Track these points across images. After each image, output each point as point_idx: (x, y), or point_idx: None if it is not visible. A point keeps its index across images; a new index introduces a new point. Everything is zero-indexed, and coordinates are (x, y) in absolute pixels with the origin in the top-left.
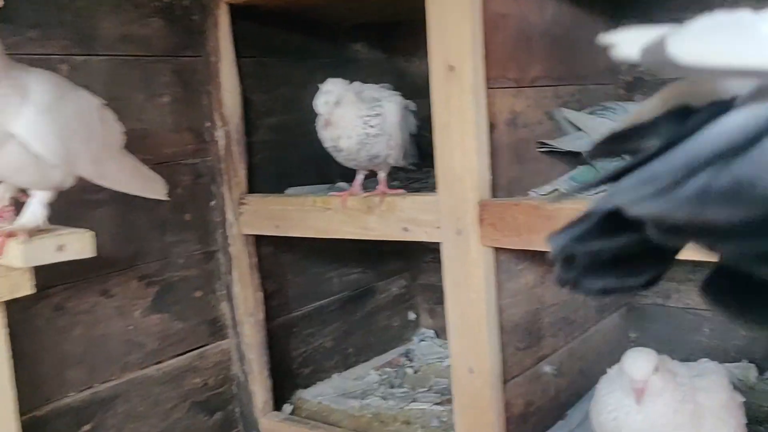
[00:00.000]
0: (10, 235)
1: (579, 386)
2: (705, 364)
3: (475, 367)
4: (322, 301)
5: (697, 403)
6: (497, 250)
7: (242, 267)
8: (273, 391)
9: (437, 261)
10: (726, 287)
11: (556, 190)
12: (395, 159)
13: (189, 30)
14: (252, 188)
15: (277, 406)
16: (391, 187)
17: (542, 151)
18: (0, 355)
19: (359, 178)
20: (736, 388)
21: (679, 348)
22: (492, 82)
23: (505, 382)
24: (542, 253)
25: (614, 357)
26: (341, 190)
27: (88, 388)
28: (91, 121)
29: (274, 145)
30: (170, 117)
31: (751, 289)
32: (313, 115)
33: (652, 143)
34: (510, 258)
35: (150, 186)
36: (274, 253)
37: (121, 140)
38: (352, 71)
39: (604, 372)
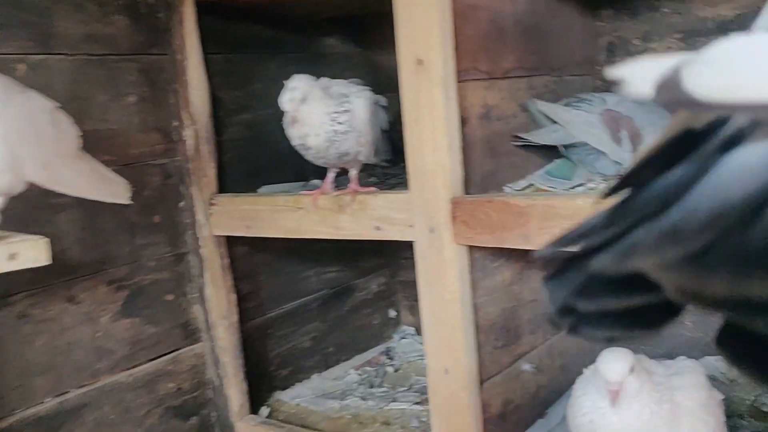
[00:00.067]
0: None
1: (560, 383)
2: (682, 362)
3: (450, 368)
4: (299, 301)
5: (675, 403)
6: (471, 247)
7: (214, 269)
8: (249, 394)
9: None
10: (743, 342)
11: (532, 185)
12: (366, 156)
13: (154, 28)
14: (224, 188)
15: (255, 409)
16: (368, 184)
17: (517, 145)
18: None
19: (330, 176)
20: (714, 385)
21: (661, 341)
22: (463, 75)
23: (481, 382)
24: (519, 250)
25: (596, 352)
26: (315, 188)
27: (56, 397)
28: (41, 124)
29: (246, 142)
30: (137, 117)
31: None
32: None
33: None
34: (485, 255)
35: (111, 189)
36: (249, 253)
37: (76, 144)
38: (324, 66)
39: (586, 368)
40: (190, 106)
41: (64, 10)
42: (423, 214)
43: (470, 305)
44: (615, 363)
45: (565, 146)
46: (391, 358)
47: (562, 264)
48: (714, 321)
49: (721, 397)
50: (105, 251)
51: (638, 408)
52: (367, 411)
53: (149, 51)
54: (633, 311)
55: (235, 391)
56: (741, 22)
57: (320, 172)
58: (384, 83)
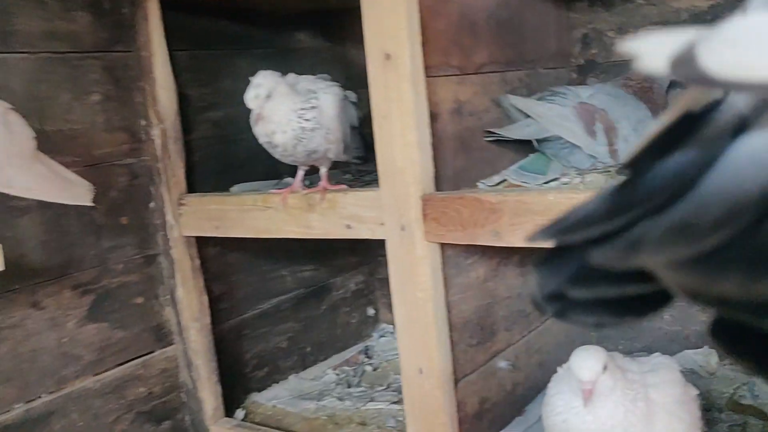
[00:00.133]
0: None
1: (538, 380)
2: (657, 359)
3: (424, 368)
4: (274, 301)
5: (650, 400)
6: (443, 245)
7: (185, 270)
8: (224, 396)
9: None
10: (735, 333)
11: (505, 180)
12: (335, 153)
13: (119, 24)
14: (194, 187)
15: (230, 411)
16: (343, 182)
17: (490, 140)
18: None
19: (300, 174)
20: (693, 378)
21: (640, 336)
22: (433, 70)
23: (456, 381)
24: (494, 246)
25: (575, 348)
26: (286, 186)
27: (22, 405)
28: None
29: (217, 140)
30: (101, 116)
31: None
32: None
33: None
34: (458, 252)
35: (72, 191)
36: (221, 254)
37: (32, 145)
38: (295, 61)
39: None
40: (157, 104)
41: (24, 6)
42: (393, 212)
43: (443, 303)
44: (587, 361)
45: (539, 140)
46: (369, 357)
47: (554, 250)
48: (694, 315)
49: (696, 392)
50: (70, 254)
51: (612, 406)
52: (343, 411)
53: (113, 48)
54: (624, 299)
55: (208, 394)
56: (715, 13)
57: (294, 170)
58: (356, 79)
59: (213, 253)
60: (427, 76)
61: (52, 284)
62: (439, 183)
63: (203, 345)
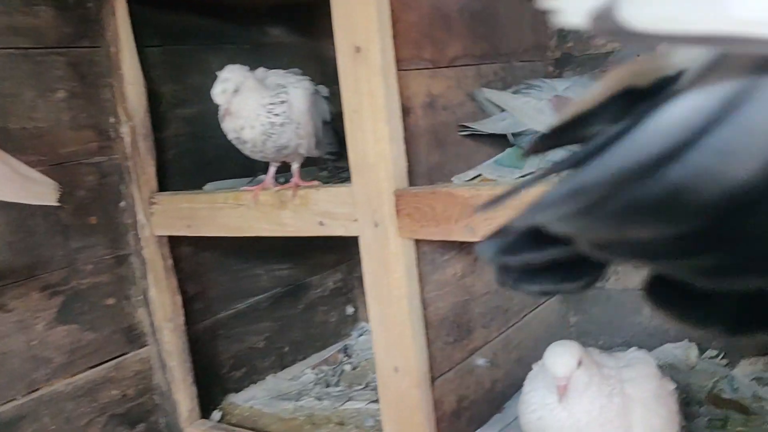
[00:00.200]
0: None
1: (517, 377)
2: (633, 353)
3: (400, 366)
4: (250, 300)
5: (626, 395)
6: (418, 241)
7: (157, 270)
8: (200, 398)
9: None
10: (667, 290)
11: (480, 175)
12: (307, 149)
13: (84, 19)
14: (168, 186)
15: (207, 413)
16: (318, 178)
17: (465, 135)
18: None
19: (271, 170)
20: (673, 372)
21: (620, 330)
22: (405, 64)
23: (433, 379)
24: (470, 243)
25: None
26: (260, 183)
27: None
28: None
29: (190, 138)
30: (67, 113)
31: (691, 293)
32: None
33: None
34: (434, 249)
35: (35, 190)
36: (194, 253)
37: None
38: (270, 57)
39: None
40: (125, 101)
41: None
42: (366, 208)
43: (419, 301)
44: (562, 357)
45: (515, 134)
46: (348, 356)
47: (492, 232)
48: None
49: (673, 387)
50: (37, 256)
51: (588, 402)
52: (321, 411)
53: (79, 43)
54: (561, 267)
55: (183, 396)
56: None
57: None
58: (332, 74)
59: (186, 252)
60: (399, 69)
61: (19, 286)
62: (413, 178)
63: (177, 346)
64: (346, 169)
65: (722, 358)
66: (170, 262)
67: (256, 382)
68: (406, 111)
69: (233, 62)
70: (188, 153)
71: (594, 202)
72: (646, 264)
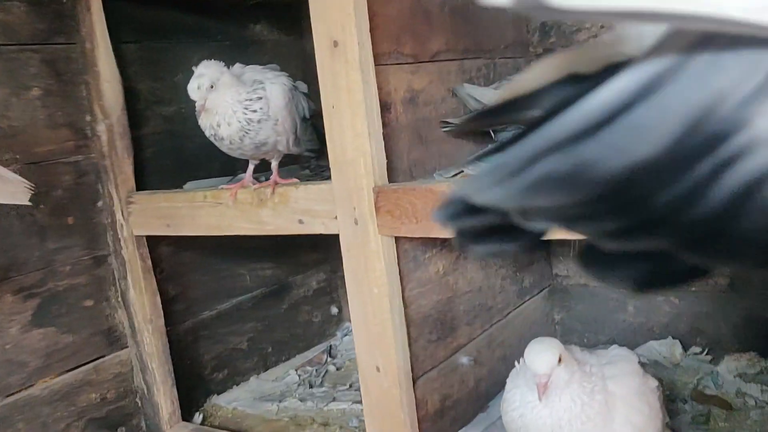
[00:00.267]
0: None
1: (501, 375)
2: (615, 350)
3: (382, 366)
4: (233, 301)
5: (608, 392)
6: (399, 238)
7: (136, 270)
8: (182, 400)
9: None
10: (594, 254)
11: (462, 171)
12: (285, 146)
13: (58, 14)
14: (146, 185)
15: (189, 415)
16: (300, 177)
17: (447, 131)
18: None
19: (250, 168)
20: (657, 369)
21: (604, 327)
22: (384, 58)
23: (415, 378)
24: (450, 239)
25: None
26: (239, 181)
27: None
28: None
29: (170, 136)
30: (43, 112)
31: (611, 257)
32: None
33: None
34: (415, 246)
35: (8, 189)
36: (175, 253)
37: None
38: (253, 54)
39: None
40: (101, 98)
41: None
42: (346, 205)
43: (400, 299)
44: (542, 354)
45: (497, 131)
46: (332, 357)
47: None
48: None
49: (656, 384)
50: (11, 257)
51: (569, 399)
52: (305, 412)
53: (53, 40)
54: (504, 230)
55: (164, 398)
56: None
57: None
58: (315, 72)
59: (167, 252)
60: (378, 64)
61: None
62: (395, 175)
63: (158, 348)
64: (329, 168)
65: (706, 354)
66: (149, 262)
67: (239, 384)
68: (386, 106)
69: (214, 59)
70: (168, 151)
71: (508, 176)
72: (557, 227)
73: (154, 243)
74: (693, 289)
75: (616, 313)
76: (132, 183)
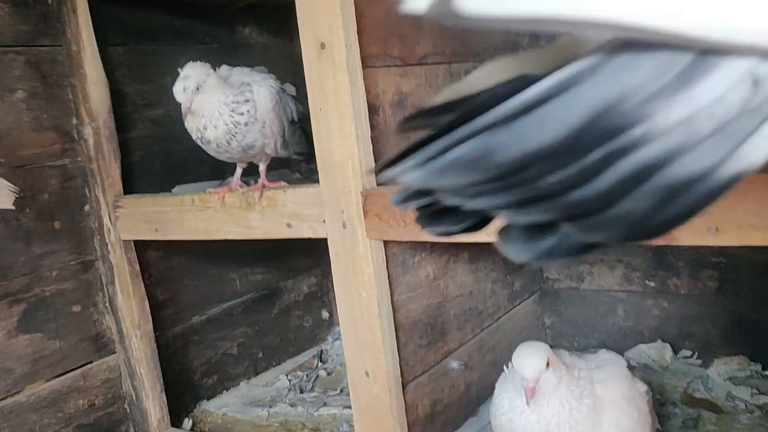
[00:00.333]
0: None
1: (491, 379)
2: (604, 355)
3: (371, 371)
4: (223, 306)
5: (596, 396)
6: (388, 242)
7: (124, 275)
8: (172, 406)
9: None
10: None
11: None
12: (273, 149)
13: (44, 16)
14: (135, 189)
15: (179, 421)
16: (291, 180)
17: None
18: None
19: (238, 171)
20: (647, 372)
21: (594, 331)
22: (372, 61)
23: (406, 383)
24: (441, 244)
25: None
26: (228, 185)
27: None
28: None
29: (159, 139)
30: (27, 114)
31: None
32: None
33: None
34: (404, 250)
35: None
36: (164, 257)
37: None
38: (242, 57)
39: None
40: (88, 101)
41: None
42: (334, 209)
43: (389, 303)
44: (529, 359)
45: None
46: (323, 361)
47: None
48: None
49: (644, 388)
50: None
51: (557, 404)
52: (296, 417)
53: (38, 42)
54: (456, 213)
55: (153, 404)
56: None
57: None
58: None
59: (155, 256)
60: (365, 66)
61: None
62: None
63: (146, 353)
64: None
65: (696, 358)
66: (137, 266)
67: (229, 389)
68: (374, 109)
69: (203, 61)
70: (156, 155)
71: (426, 160)
72: (466, 203)
73: (142, 247)
74: (682, 292)
75: (606, 316)
76: (119, 187)
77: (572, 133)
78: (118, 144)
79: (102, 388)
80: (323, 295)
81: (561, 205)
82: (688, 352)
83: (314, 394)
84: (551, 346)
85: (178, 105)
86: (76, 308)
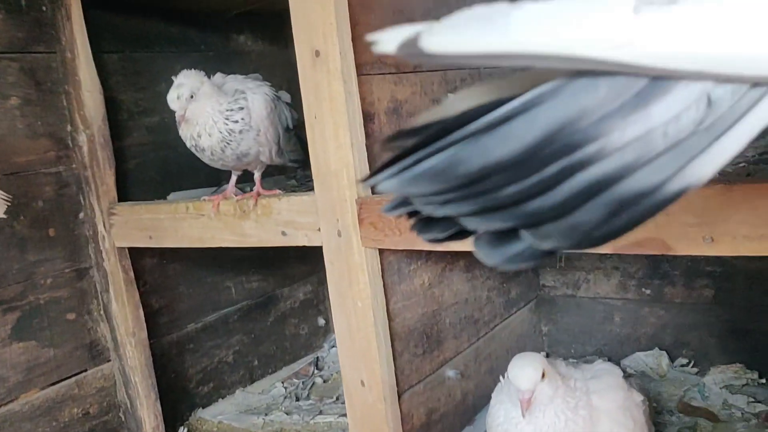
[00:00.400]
0: None
1: (488, 388)
2: (600, 365)
3: (366, 380)
4: (219, 313)
5: (592, 407)
6: (383, 251)
7: (119, 283)
8: (167, 414)
9: None
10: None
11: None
12: (268, 157)
13: (38, 23)
14: (130, 196)
15: (174, 429)
16: (286, 187)
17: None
18: None
19: (233, 179)
20: (644, 381)
21: (591, 339)
22: (367, 68)
23: (401, 392)
24: (437, 252)
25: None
26: (222, 192)
27: None
28: None
29: (154, 146)
30: (22, 121)
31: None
32: None
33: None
34: (400, 258)
35: None
36: (159, 265)
37: None
38: (238, 64)
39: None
40: (82, 108)
41: None
42: (329, 217)
43: (384, 312)
44: (525, 370)
45: None
46: (319, 369)
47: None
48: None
49: (641, 398)
50: None
51: (552, 415)
52: (291, 426)
53: (33, 49)
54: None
55: (148, 413)
56: None
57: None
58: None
59: (150, 264)
60: (360, 74)
61: None
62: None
63: (141, 361)
64: None
65: (693, 366)
66: (132, 274)
67: (224, 397)
68: (369, 117)
69: (198, 69)
70: (152, 162)
71: (400, 171)
72: (436, 211)
73: (137, 255)
74: (678, 300)
75: (602, 324)
76: (114, 194)
77: (530, 147)
78: (112, 151)
79: (96, 397)
80: (319, 302)
81: (520, 214)
82: (685, 361)
83: (310, 401)
84: (547, 354)
85: (173, 112)
86: (71, 316)
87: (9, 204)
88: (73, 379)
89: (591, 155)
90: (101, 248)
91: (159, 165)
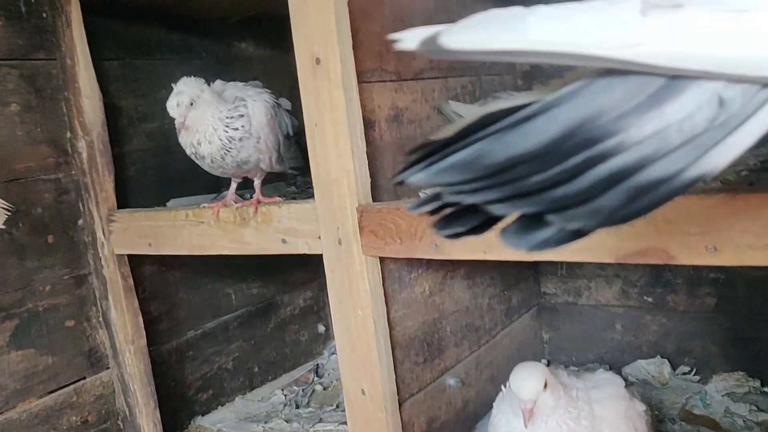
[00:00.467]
0: None
1: (489, 396)
2: (602, 374)
3: (367, 389)
4: (219, 320)
5: (595, 417)
6: (383, 259)
7: (118, 290)
8: (166, 421)
9: None
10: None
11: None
12: (268, 164)
13: (38, 29)
14: (130, 203)
15: None
16: (286, 194)
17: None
18: None
19: (233, 186)
20: (646, 389)
21: (592, 347)
22: (367, 76)
23: (402, 401)
24: (437, 260)
25: (527, 360)
26: (222, 199)
27: None
28: None
29: (154, 153)
30: (21, 128)
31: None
32: None
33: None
34: (400, 266)
35: None
36: (159, 272)
37: None
38: (239, 71)
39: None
40: (82, 115)
41: None
42: (329, 225)
43: (385, 320)
44: (527, 380)
45: None
46: (320, 376)
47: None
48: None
49: (643, 408)
50: None
51: (554, 425)
52: None
53: (33, 56)
54: (457, 216)
55: (147, 421)
56: None
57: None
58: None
59: (150, 271)
60: (361, 81)
61: None
62: (379, 194)
63: (140, 369)
64: None
65: (695, 374)
66: (131, 281)
67: (224, 404)
68: (369, 124)
69: (199, 76)
70: (152, 169)
71: (428, 164)
72: (465, 199)
73: (137, 262)
74: (680, 308)
75: (604, 331)
76: (113, 201)
77: (551, 142)
78: (111, 158)
79: (95, 405)
80: (319, 309)
81: (546, 200)
82: (687, 369)
83: (310, 409)
84: (549, 362)
85: (173, 119)
86: (70, 323)
87: (9, 214)
88: (72, 386)
89: (611, 148)
90: (100, 255)
91: (159, 172)
